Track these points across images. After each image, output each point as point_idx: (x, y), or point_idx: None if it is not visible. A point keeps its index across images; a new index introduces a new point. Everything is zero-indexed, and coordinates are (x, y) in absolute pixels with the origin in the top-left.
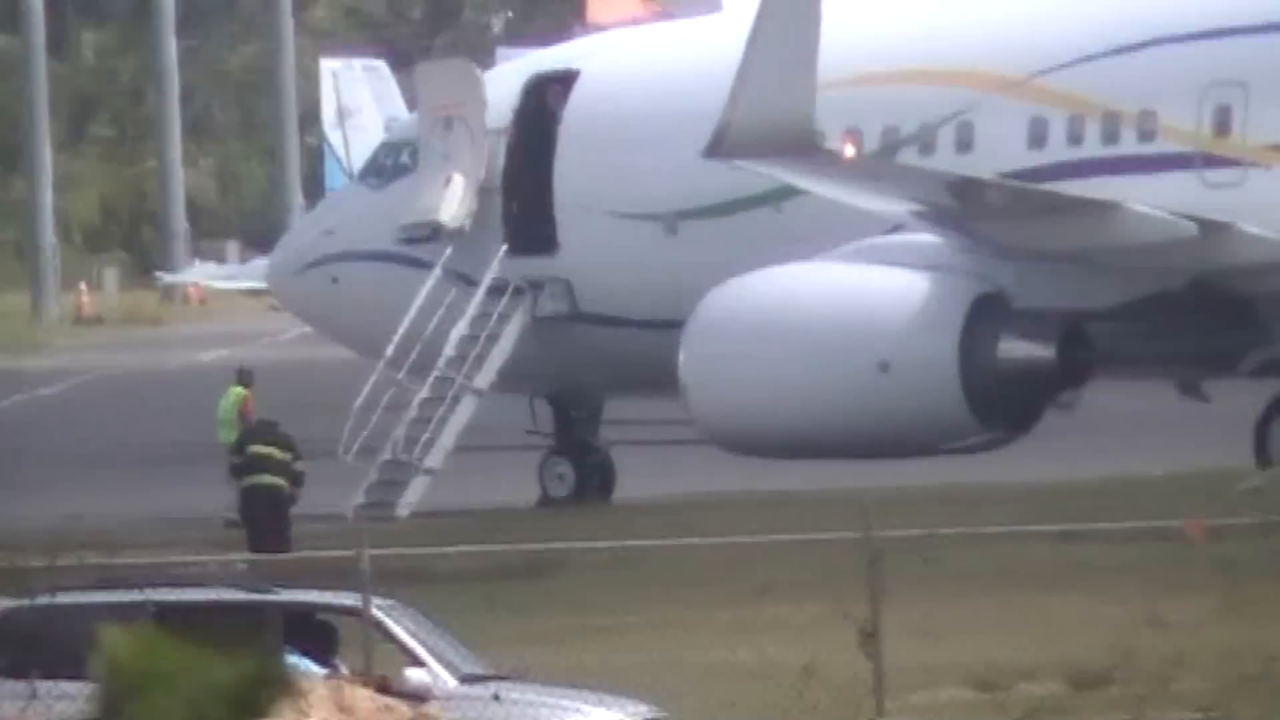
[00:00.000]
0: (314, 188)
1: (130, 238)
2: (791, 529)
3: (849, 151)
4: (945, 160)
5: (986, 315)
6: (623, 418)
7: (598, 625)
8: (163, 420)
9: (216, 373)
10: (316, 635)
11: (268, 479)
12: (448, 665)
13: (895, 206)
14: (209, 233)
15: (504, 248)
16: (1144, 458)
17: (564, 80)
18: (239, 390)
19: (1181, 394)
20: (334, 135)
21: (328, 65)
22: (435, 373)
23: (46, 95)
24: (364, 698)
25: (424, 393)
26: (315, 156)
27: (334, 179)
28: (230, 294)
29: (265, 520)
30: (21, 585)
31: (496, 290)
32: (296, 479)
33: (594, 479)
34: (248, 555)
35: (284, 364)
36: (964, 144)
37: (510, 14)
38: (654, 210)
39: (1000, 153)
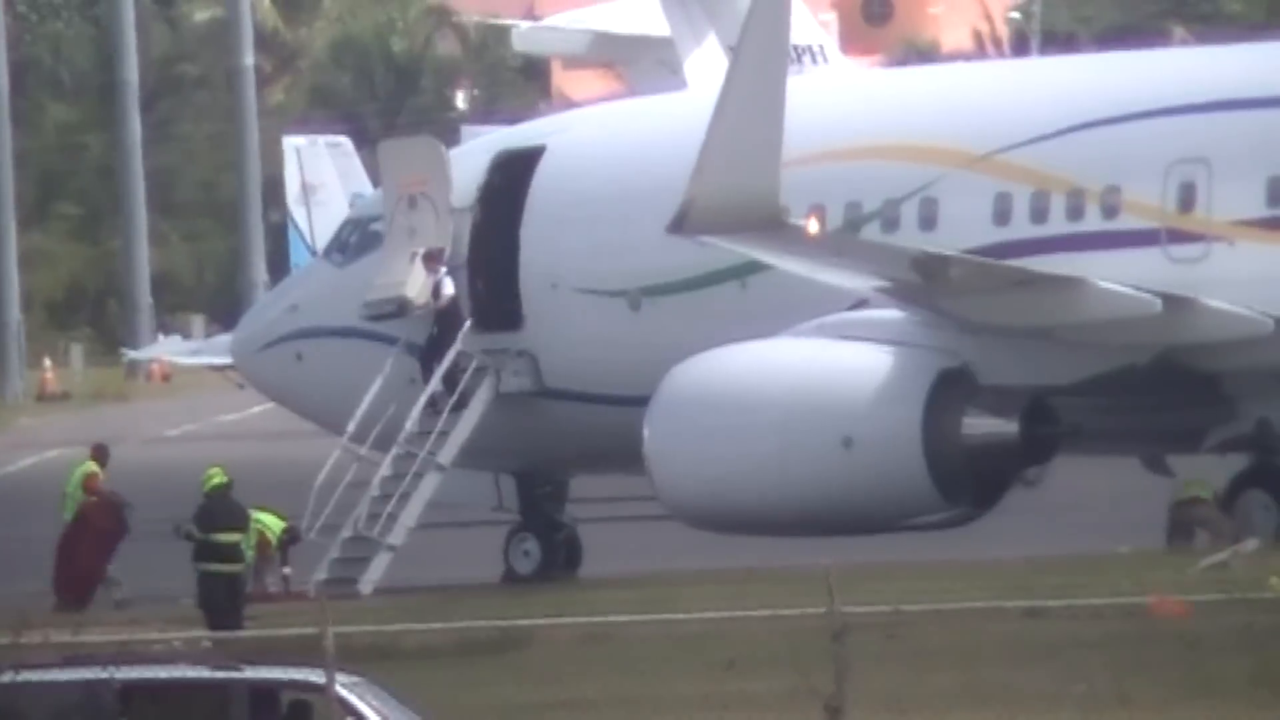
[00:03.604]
0: (278, 264)
1: (97, 314)
2: (757, 604)
3: (813, 227)
4: (909, 236)
5: (950, 390)
6: (589, 494)
7: (565, 701)
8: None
9: (178, 448)
10: (292, 715)
11: (227, 568)
12: None
13: (859, 282)
14: (174, 308)
15: (469, 322)
16: (1110, 534)
17: (530, 157)
18: (88, 467)
19: (1147, 469)
20: (298, 211)
21: (291, 142)
22: (397, 448)
23: (11, 171)
24: None
25: (386, 469)
26: (280, 232)
27: (298, 255)
28: (195, 370)
29: (223, 605)
30: None
31: (460, 365)
32: (294, 536)
33: (560, 555)
34: (213, 634)
35: (249, 438)
36: (928, 220)
37: (476, 91)
38: (619, 286)
39: (964, 229)
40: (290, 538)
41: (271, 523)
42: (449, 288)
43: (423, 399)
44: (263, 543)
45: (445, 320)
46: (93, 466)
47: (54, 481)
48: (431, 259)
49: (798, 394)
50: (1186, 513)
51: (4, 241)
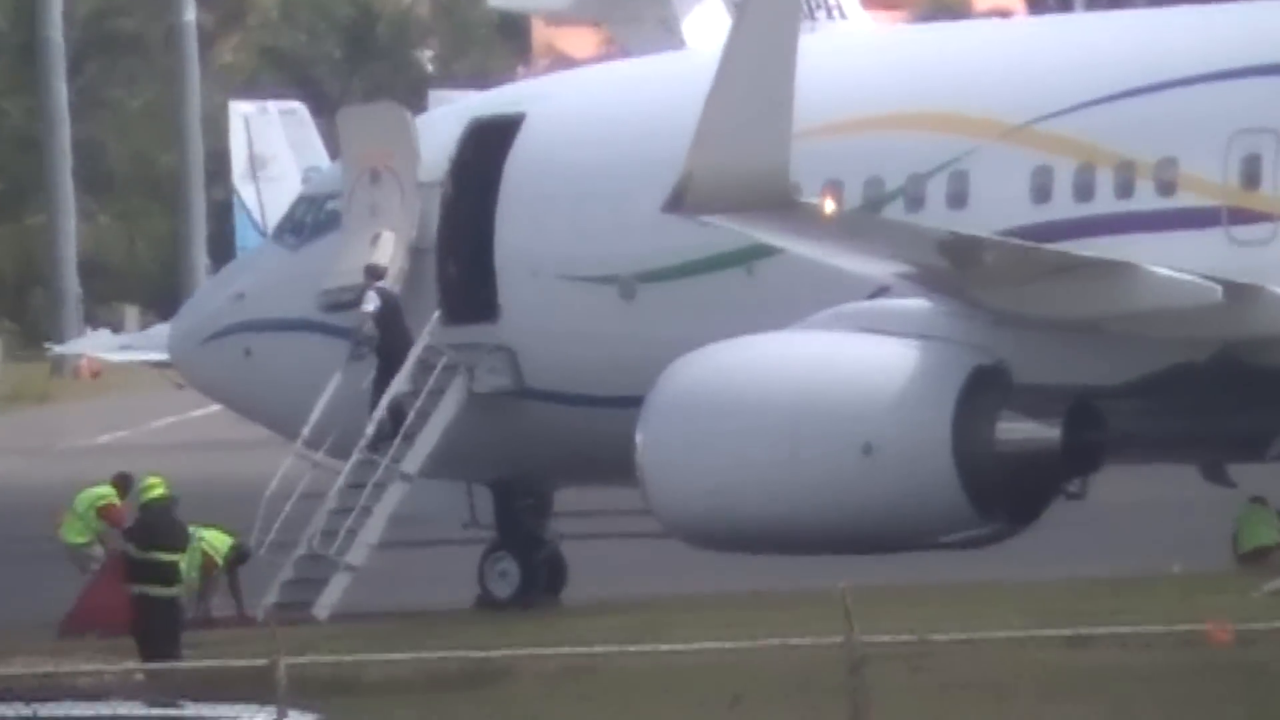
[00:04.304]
0: (222, 247)
1: (16, 303)
2: (764, 632)
3: (829, 206)
4: (937, 216)
5: (984, 391)
6: (574, 508)
7: None
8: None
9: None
10: None
11: (166, 590)
12: None
13: (880, 267)
14: (105, 297)
15: (437, 314)
16: (1162, 553)
17: (506, 126)
18: (104, 491)
19: (1205, 480)
20: (245, 188)
21: (238, 109)
22: (357, 455)
23: None
24: None
25: (344, 479)
26: (225, 212)
27: (245, 237)
28: (128, 367)
29: (159, 632)
30: None
31: (428, 362)
32: (243, 554)
33: (542, 577)
34: (149, 664)
35: (189, 446)
36: (958, 198)
37: (436, 52)
38: (609, 272)
39: (999, 208)
40: (238, 556)
41: (217, 540)
42: (370, 304)
43: (385, 400)
44: (208, 563)
45: (387, 329)
46: (110, 493)
47: None
48: (372, 273)
49: (811, 394)
50: (1258, 561)
51: None
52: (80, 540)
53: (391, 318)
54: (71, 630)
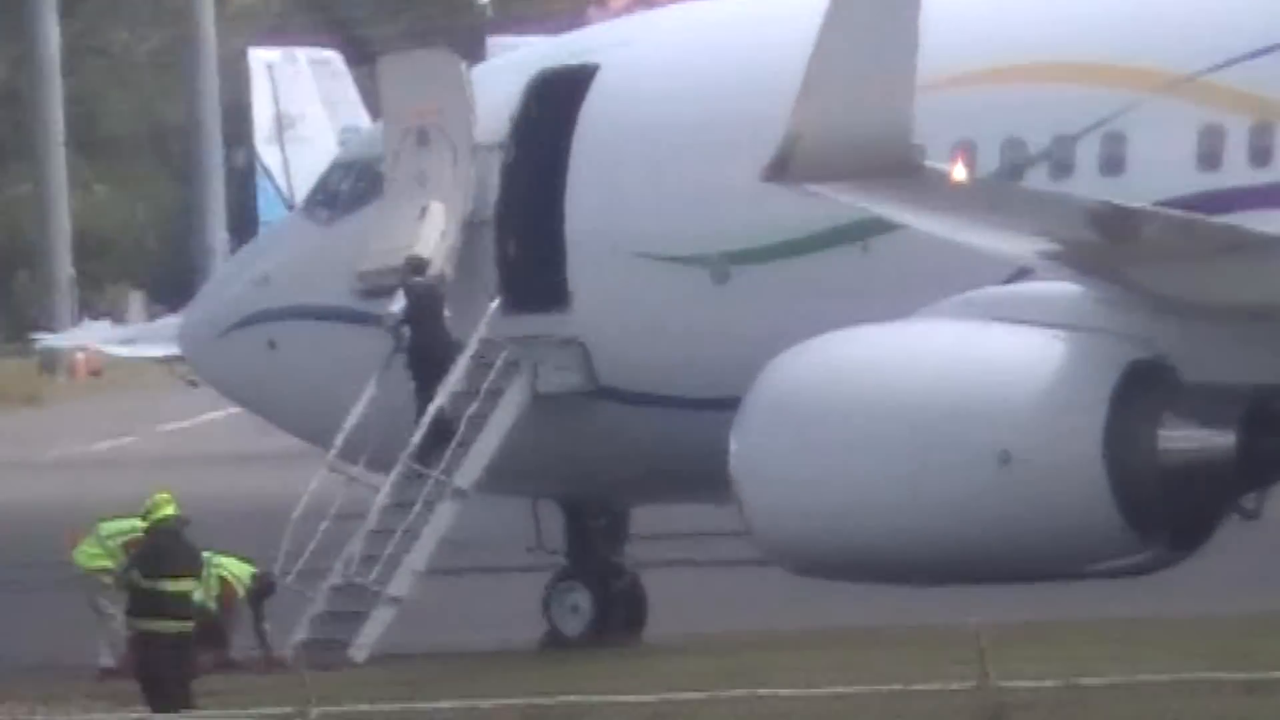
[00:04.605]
0: (243, 221)
1: None
2: (881, 676)
3: (959, 172)
4: (1087, 184)
5: (1143, 391)
6: (656, 529)
7: None
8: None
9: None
10: None
11: (174, 626)
12: None
13: (1020, 245)
14: (104, 280)
15: (497, 301)
16: None
17: (577, 78)
18: (138, 524)
19: None
20: (269, 151)
21: (261, 57)
22: (400, 468)
23: None
24: None
25: (386, 495)
26: (245, 179)
27: (270, 209)
28: (132, 363)
29: (168, 675)
30: None
31: (486, 358)
32: (267, 585)
33: (619, 610)
34: (156, 714)
35: (203, 457)
36: (1112, 163)
37: None
38: (699, 251)
39: (1161, 174)
40: (261, 587)
41: (236, 568)
42: (395, 305)
43: (434, 402)
44: (227, 594)
45: (422, 327)
46: (137, 526)
47: None
48: (411, 267)
49: (938, 395)
50: None
51: None
52: (97, 565)
53: (426, 315)
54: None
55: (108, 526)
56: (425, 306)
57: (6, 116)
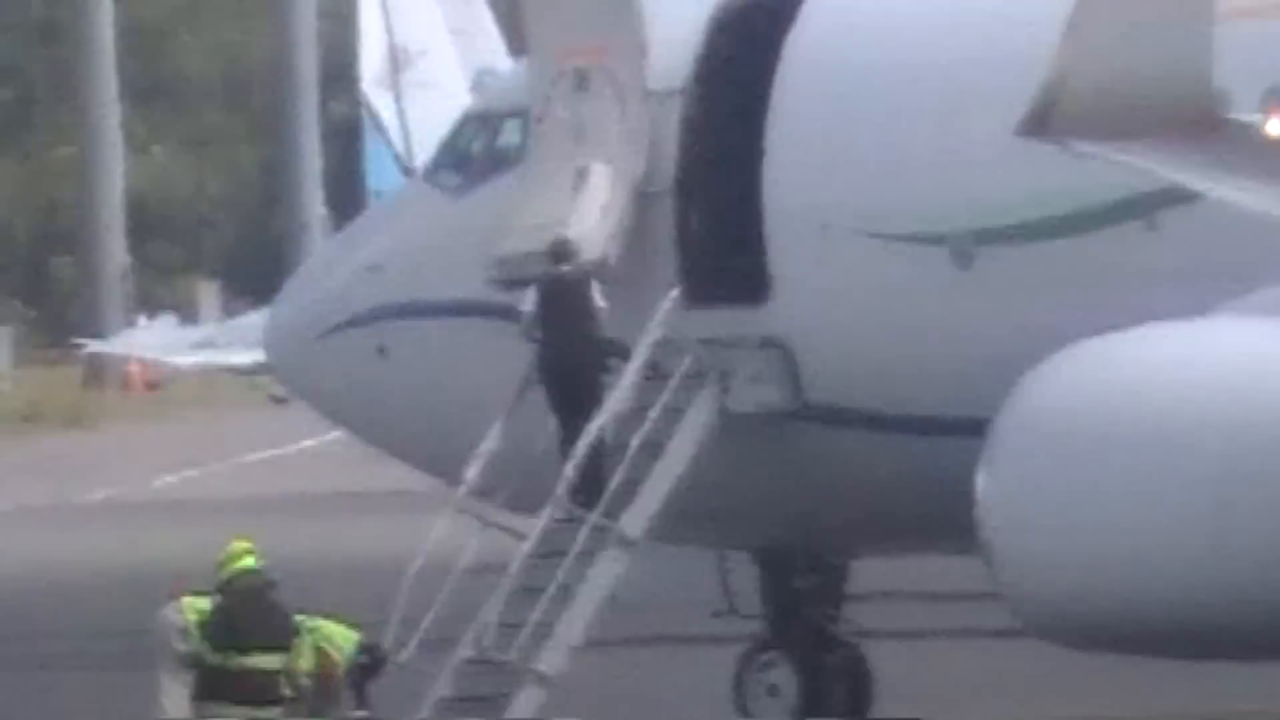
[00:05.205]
0: (346, 191)
1: (33, 278)
2: None
3: (1276, 126)
4: None
5: None
6: (883, 588)
7: None
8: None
9: (170, 510)
10: None
11: (258, 715)
12: None
13: None
14: (166, 268)
15: (676, 291)
16: None
17: (779, 8)
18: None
19: None
20: (381, 98)
21: None
22: (551, 510)
23: None
24: None
25: (532, 544)
26: (348, 135)
27: (381, 175)
28: (201, 374)
29: None
30: None
31: (662, 366)
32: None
33: (835, 691)
34: None
35: (297, 496)
36: None
37: None
38: (935, 228)
39: None
40: (370, 661)
41: (338, 636)
42: (528, 303)
43: (595, 424)
44: (325, 667)
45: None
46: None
47: None
48: (556, 254)
49: (1250, 415)
50: None
51: None
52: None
53: (571, 314)
54: None
55: (195, 604)
56: (569, 303)
57: (44, 57)
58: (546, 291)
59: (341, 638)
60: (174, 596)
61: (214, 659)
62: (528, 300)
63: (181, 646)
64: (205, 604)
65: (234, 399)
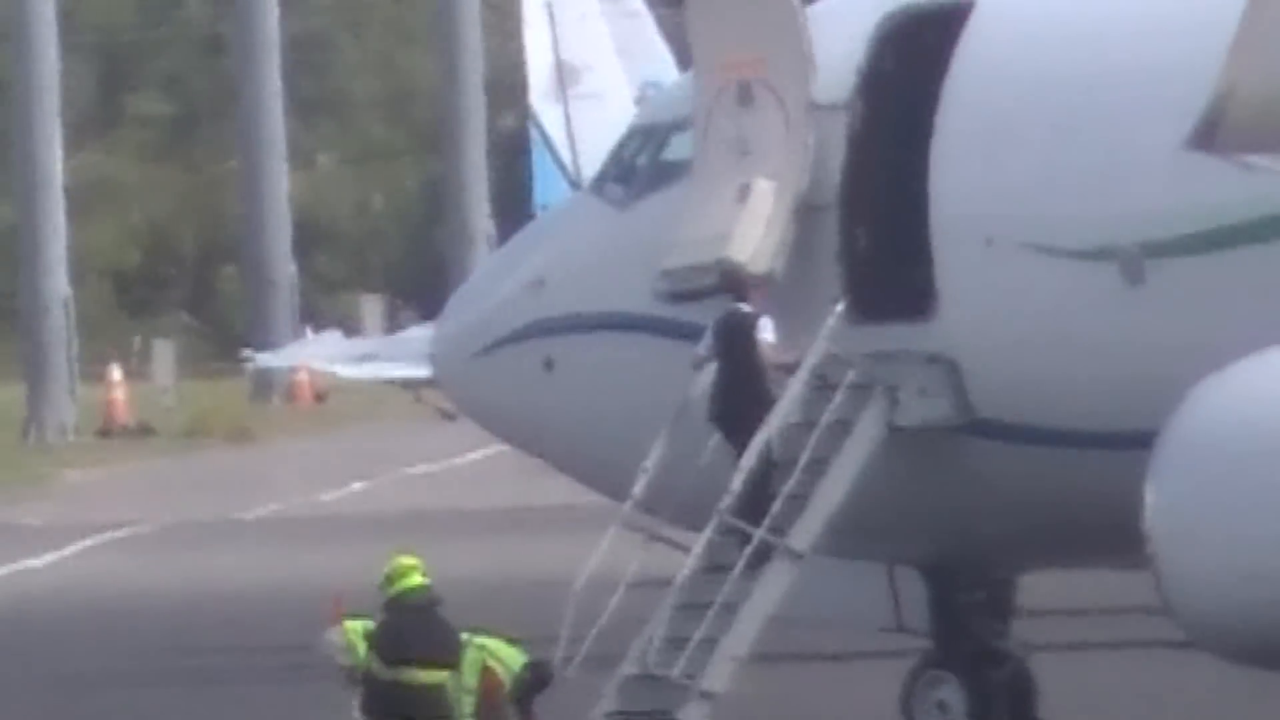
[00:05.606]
0: (512, 203)
1: (198, 289)
2: None
3: None
4: None
5: None
6: (1051, 604)
7: None
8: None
9: (337, 523)
10: None
11: None
12: None
13: None
14: (333, 282)
15: (841, 306)
16: None
17: (948, 18)
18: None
19: None
20: (548, 111)
21: None
22: (716, 523)
23: (55, 47)
24: None
25: (697, 559)
26: (515, 149)
27: (547, 188)
28: (367, 387)
29: None
30: None
31: (828, 380)
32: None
33: (1000, 707)
34: None
35: (461, 512)
36: None
37: None
38: (1105, 242)
39: None
40: (536, 679)
41: (504, 652)
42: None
43: (761, 437)
44: (489, 683)
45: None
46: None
47: (89, 603)
48: (726, 276)
49: None
50: None
51: (39, 167)
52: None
53: (739, 348)
54: None
55: (356, 628)
56: (738, 340)
57: (209, 69)
58: (719, 328)
59: (508, 656)
60: (333, 618)
61: (384, 674)
62: (702, 344)
63: (347, 662)
64: (363, 625)
65: (400, 413)
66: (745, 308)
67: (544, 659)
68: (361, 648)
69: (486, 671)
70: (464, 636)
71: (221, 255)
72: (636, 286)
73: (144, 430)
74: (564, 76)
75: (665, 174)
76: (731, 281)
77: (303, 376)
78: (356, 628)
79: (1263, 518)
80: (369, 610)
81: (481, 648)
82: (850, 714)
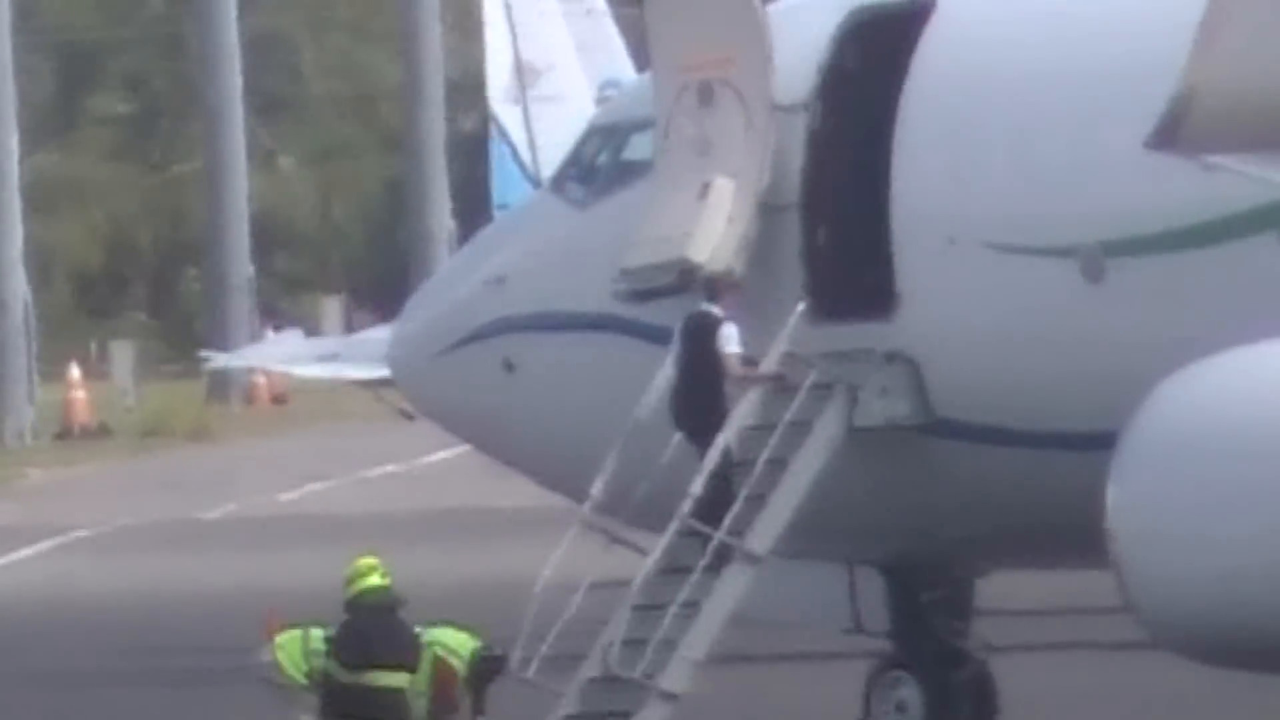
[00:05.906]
0: (472, 203)
1: (158, 291)
2: None
3: None
4: None
5: None
6: (1010, 603)
7: None
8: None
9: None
10: None
11: None
12: None
13: None
14: (293, 282)
15: (802, 306)
16: None
17: (908, 17)
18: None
19: None
20: (507, 112)
21: None
22: (675, 525)
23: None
24: None
25: (656, 560)
26: (476, 149)
27: (507, 188)
28: (326, 387)
29: None
30: None
31: (788, 381)
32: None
33: (960, 708)
34: None
35: (423, 513)
36: None
37: None
38: (1066, 240)
39: None
40: (487, 667)
41: (454, 641)
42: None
43: (721, 438)
44: (442, 676)
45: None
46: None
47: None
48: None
49: None
50: None
51: None
52: (296, 682)
53: (700, 346)
54: None
55: (319, 635)
56: (700, 339)
57: (169, 68)
58: (685, 329)
59: (458, 644)
60: (268, 631)
61: (344, 677)
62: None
63: (281, 680)
64: (301, 634)
65: (359, 413)
66: (714, 309)
67: (494, 646)
68: (295, 666)
69: (439, 663)
70: (417, 630)
71: (182, 256)
72: (597, 286)
73: (103, 431)
74: (524, 76)
75: (626, 173)
76: (705, 283)
77: (260, 379)
78: (293, 641)
79: (1224, 517)
80: (315, 616)
81: (433, 643)
82: (811, 714)
